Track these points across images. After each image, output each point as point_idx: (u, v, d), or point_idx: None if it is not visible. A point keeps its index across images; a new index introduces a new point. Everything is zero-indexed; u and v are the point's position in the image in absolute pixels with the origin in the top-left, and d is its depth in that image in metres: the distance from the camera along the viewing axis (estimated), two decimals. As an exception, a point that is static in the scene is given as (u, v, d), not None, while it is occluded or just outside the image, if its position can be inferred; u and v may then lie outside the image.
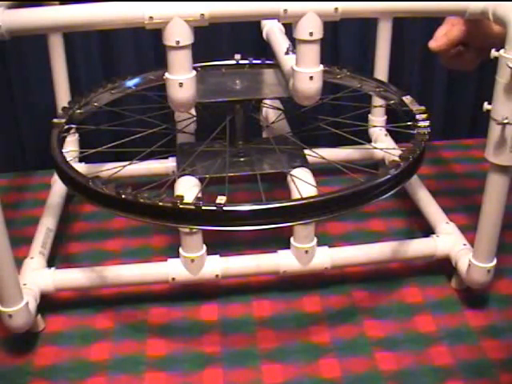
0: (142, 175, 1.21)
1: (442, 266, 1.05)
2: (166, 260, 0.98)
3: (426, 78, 1.48)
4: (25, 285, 0.92)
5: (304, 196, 0.88)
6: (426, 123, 0.95)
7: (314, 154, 1.03)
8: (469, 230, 1.03)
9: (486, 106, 0.81)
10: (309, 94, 0.88)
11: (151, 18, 0.78)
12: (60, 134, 0.96)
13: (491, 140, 0.82)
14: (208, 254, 0.97)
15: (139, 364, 0.91)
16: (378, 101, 1.25)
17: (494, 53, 0.77)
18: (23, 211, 1.25)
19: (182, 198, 0.81)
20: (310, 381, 0.88)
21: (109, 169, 1.02)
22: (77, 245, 1.16)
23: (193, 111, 1.15)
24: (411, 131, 0.95)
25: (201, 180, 0.96)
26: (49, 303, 0.99)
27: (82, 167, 1.22)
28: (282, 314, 1.00)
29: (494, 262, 0.93)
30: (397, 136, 1.31)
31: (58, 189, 1.21)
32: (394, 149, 1.24)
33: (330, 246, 1.01)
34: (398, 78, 1.41)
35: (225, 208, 0.78)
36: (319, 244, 0.99)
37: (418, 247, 1.04)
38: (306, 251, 0.97)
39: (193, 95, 0.86)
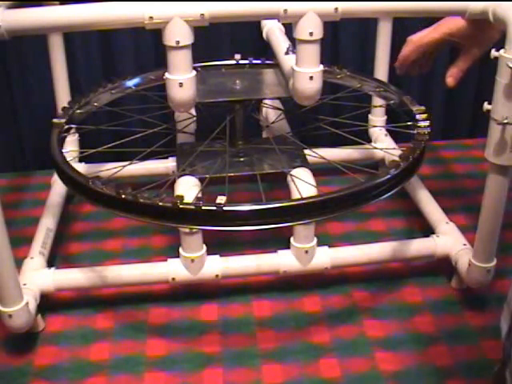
0: (142, 175, 1.21)
1: (442, 266, 1.05)
2: (166, 260, 0.98)
3: (425, 78, 1.48)
4: (25, 285, 0.93)
5: (304, 196, 0.88)
6: (426, 123, 0.95)
7: (314, 154, 1.03)
8: (469, 230, 1.03)
9: (486, 106, 0.81)
10: (309, 94, 0.88)
11: (151, 18, 0.78)
12: (60, 133, 0.96)
13: (491, 140, 0.82)
14: (208, 254, 0.97)
15: (139, 364, 0.91)
16: (378, 101, 1.25)
17: (494, 53, 0.78)
18: (23, 211, 1.25)
19: (182, 198, 0.81)
20: (310, 381, 0.88)
21: (109, 169, 1.02)
22: (77, 245, 1.16)
23: (193, 111, 1.15)
24: (411, 131, 0.95)
25: (201, 180, 0.96)
26: (49, 303, 0.99)
27: (82, 167, 1.22)
28: (282, 313, 1.00)
29: (494, 261, 0.93)
30: (397, 136, 1.31)
31: (58, 189, 1.21)
32: (394, 149, 1.24)
33: (330, 246, 1.01)
34: (397, 78, 1.41)
35: (225, 208, 0.78)
36: (319, 244, 0.99)
37: (418, 247, 1.04)
38: (306, 251, 0.97)
39: (193, 95, 0.86)
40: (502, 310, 0.69)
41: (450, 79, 0.98)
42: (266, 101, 1.20)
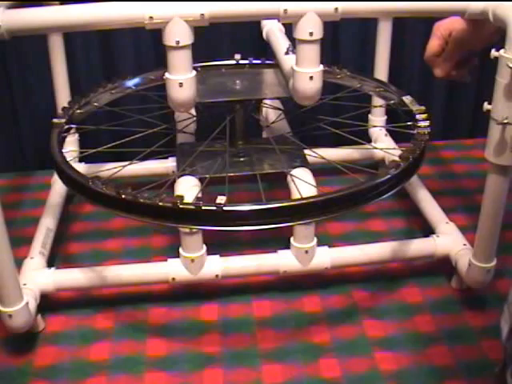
0: (142, 175, 1.21)
1: (442, 266, 1.05)
2: (166, 260, 0.98)
3: (425, 78, 1.48)
4: (25, 285, 0.93)
5: (304, 196, 0.88)
6: (426, 123, 0.95)
7: (314, 154, 1.03)
8: (469, 230, 1.03)
9: (486, 106, 0.81)
10: (309, 94, 0.88)
11: (151, 18, 0.78)
12: (60, 133, 0.96)
13: (491, 140, 0.82)
14: (208, 254, 0.97)
15: (139, 364, 0.91)
16: (378, 101, 1.25)
17: (494, 53, 0.77)
18: (23, 211, 1.25)
19: (182, 198, 0.81)
20: (310, 381, 0.88)
21: (109, 169, 1.02)
22: (77, 245, 1.16)
23: (193, 111, 1.15)
24: (411, 131, 0.95)
25: (201, 180, 0.96)
26: (49, 303, 0.99)
27: (82, 167, 1.22)
28: (282, 314, 1.00)
29: (494, 262, 0.93)
30: (397, 136, 1.31)
31: (57, 189, 1.21)
32: (394, 149, 1.24)
33: (329, 246, 1.01)
34: (397, 78, 1.41)
35: (225, 208, 0.78)
36: (319, 244, 0.99)
37: (418, 247, 1.04)
38: (306, 251, 0.97)
39: (193, 95, 0.86)
40: (502, 311, 0.69)
41: (438, 70, 0.98)
42: (266, 101, 1.20)
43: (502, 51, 0.77)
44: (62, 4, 0.81)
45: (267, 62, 1.15)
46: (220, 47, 1.39)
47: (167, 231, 1.15)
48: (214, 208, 0.78)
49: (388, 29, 1.25)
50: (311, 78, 0.85)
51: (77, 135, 1.27)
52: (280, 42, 1.05)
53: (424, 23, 1.39)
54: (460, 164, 1.40)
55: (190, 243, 0.95)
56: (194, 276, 0.97)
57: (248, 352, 0.93)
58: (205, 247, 0.96)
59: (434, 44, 0.97)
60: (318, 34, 0.82)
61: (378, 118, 1.34)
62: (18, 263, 0.92)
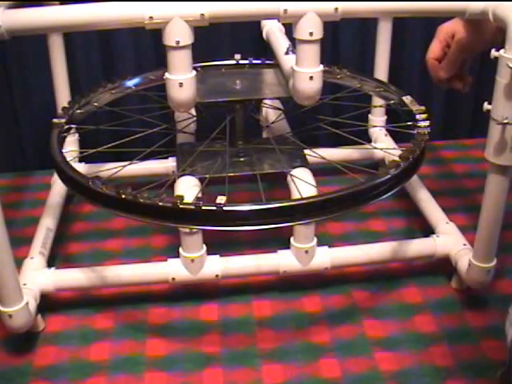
0: (142, 175, 1.21)
1: (442, 266, 1.05)
2: (165, 260, 0.98)
3: (425, 78, 1.48)
4: (25, 285, 0.93)
5: (304, 196, 0.88)
6: (426, 123, 0.95)
7: (314, 154, 1.03)
8: (469, 230, 1.03)
9: (486, 106, 0.81)
10: (309, 94, 0.88)
11: (151, 17, 0.78)
12: (60, 133, 0.96)
13: (491, 140, 0.82)
14: (208, 254, 0.97)
15: (139, 364, 0.91)
16: (378, 101, 1.25)
17: (494, 53, 0.78)
18: (23, 211, 1.25)
19: (182, 198, 0.81)
20: (310, 381, 0.88)
21: (109, 169, 1.02)
22: (77, 245, 1.16)
23: (193, 111, 1.15)
24: (411, 131, 0.95)
25: (201, 180, 0.96)
26: (49, 303, 0.99)
27: (82, 167, 1.22)
28: (282, 314, 1.00)
29: (494, 262, 0.93)
30: (397, 136, 1.31)
31: (57, 189, 1.21)
32: (394, 149, 1.24)
33: (329, 246, 1.01)
34: (397, 78, 1.41)
35: (225, 208, 0.78)
36: (319, 244, 0.99)
37: (418, 247, 1.04)
38: (306, 251, 0.97)
39: (193, 95, 0.86)
40: (507, 314, 0.69)
41: (442, 72, 0.98)
42: (266, 101, 1.20)
43: (502, 51, 0.77)
44: (61, 4, 0.81)
45: (267, 62, 1.15)
46: (220, 47, 1.39)
47: (167, 231, 1.15)
48: (214, 208, 0.78)
49: (388, 29, 1.25)
50: (311, 78, 0.85)
51: (77, 135, 1.27)
52: (280, 42, 1.05)
53: (424, 23, 1.39)
54: (460, 164, 1.40)
55: (189, 243, 0.95)
56: (194, 276, 0.97)
57: (248, 352, 0.93)
58: (205, 247, 0.96)
59: (435, 46, 0.97)
60: (318, 34, 0.82)
61: (378, 118, 1.34)
62: (18, 263, 0.92)
